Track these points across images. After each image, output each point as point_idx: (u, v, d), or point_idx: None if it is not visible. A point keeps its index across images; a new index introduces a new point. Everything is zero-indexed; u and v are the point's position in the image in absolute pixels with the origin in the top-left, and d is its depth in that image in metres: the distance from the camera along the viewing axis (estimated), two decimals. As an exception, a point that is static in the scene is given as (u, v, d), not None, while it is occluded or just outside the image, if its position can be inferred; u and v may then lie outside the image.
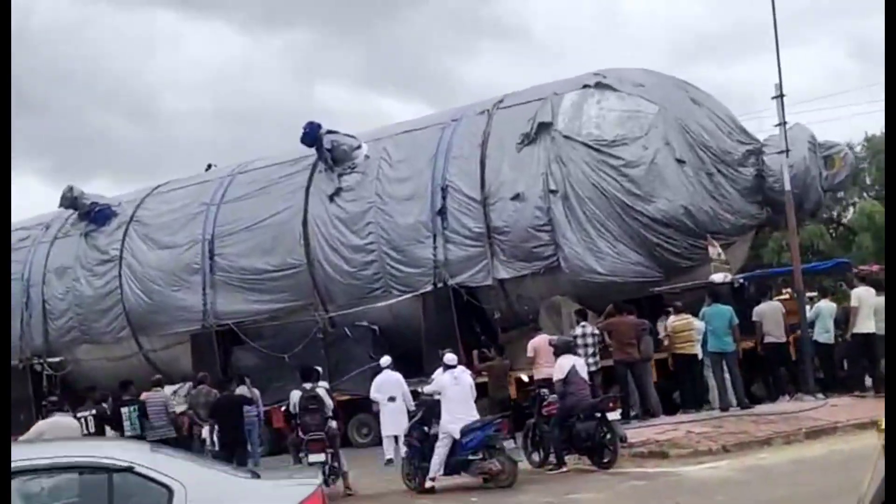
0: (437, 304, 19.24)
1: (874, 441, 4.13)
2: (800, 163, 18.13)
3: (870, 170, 51.41)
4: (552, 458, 12.97)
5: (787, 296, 20.24)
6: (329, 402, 13.74)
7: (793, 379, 17.05)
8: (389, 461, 15.26)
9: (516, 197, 18.83)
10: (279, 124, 74.87)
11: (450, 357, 13.08)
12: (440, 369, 13.24)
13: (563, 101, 19.18)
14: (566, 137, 18.62)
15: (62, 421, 11.78)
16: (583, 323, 16.48)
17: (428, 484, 12.38)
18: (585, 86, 19.31)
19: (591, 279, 18.08)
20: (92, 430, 13.67)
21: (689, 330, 16.38)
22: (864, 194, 52.03)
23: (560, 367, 12.94)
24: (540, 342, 15.79)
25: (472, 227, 19.25)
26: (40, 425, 11.94)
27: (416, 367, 19.06)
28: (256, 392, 16.43)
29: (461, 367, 13.17)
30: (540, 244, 18.61)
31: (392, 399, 15.68)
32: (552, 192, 18.43)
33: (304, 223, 21.11)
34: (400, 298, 19.77)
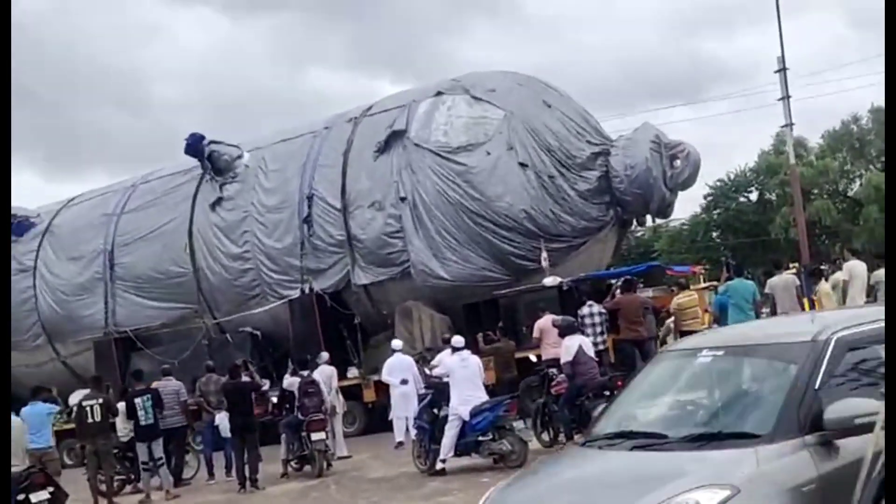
0: (303, 309, 19.87)
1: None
2: (641, 163, 18.25)
3: (875, 142, 50.63)
4: (562, 438, 12.92)
5: (794, 270, 20.60)
6: (324, 389, 14.71)
7: None
8: (400, 444, 15.42)
9: (373, 205, 19.36)
10: (270, 109, 75.40)
11: (457, 339, 13.25)
12: (447, 351, 13.42)
13: (418, 109, 19.61)
14: (416, 145, 19.08)
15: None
16: (589, 302, 16.40)
17: (439, 465, 12.47)
18: (439, 93, 19.69)
19: (437, 285, 18.57)
20: (98, 418, 14.08)
21: (695, 307, 16.64)
22: (871, 166, 51.29)
23: (567, 349, 12.85)
24: (545, 323, 15.48)
25: (335, 234, 19.83)
26: None
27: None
28: (257, 378, 17.13)
29: (468, 350, 13.24)
30: (394, 251, 19.16)
31: (405, 382, 15.88)
32: (402, 199, 18.92)
33: (190, 232, 21.87)
34: (271, 306, 20.46)
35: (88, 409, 14.20)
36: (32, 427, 14.09)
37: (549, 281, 17.34)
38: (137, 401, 14.70)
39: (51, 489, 10.29)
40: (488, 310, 18.10)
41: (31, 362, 24.62)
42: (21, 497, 9.89)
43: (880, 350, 4.99)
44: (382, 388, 18.71)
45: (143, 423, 14.59)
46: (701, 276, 35.30)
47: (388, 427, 18.37)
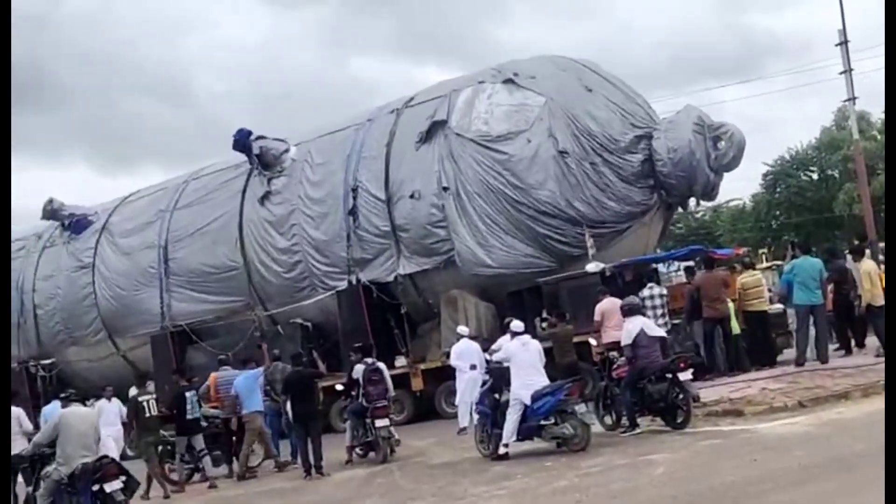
0: (350, 300, 20.10)
1: None
2: (684, 146, 18.06)
3: (947, 112, 49.24)
4: (625, 421, 12.94)
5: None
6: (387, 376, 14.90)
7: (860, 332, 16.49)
8: (463, 429, 15.47)
9: (412, 195, 19.48)
10: (316, 100, 75.59)
11: (516, 324, 13.28)
12: (507, 336, 13.51)
13: (459, 98, 19.66)
14: (457, 135, 19.15)
15: (80, 410, 12.40)
16: (650, 284, 16.47)
17: (501, 450, 12.50)
18: (480, 81, 19.71)
19: (483, 273, 18.63)
20: (154, 412, 14.57)
21: (759, 286, 16.53)
22: (941, 137, 49.94)
23: (627, 332, 12.89)
24: (607, 305, 15.49)
25: (380, 225, 20.00)
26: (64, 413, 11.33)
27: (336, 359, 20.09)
28: (322, 366, 17.52)
29: (528, 335, 13.32)
30: (437, 240, 19.28)
31: (473, 367, 15.84)
32: (445, 189, 19.00)
33: (241, 227, 22.23)
34: (320, 297, 20.72)
35: (145, 403, 14.63)
36: (245, 390, 15.10)
37: (592, 267, 17.31)
38: (188, 395, 15.13)
39: (123, 478, 10.48)
40: (532, 297, 18.14)
41: (93, 357, 25.36)
42: (95, 487, 10.13)
43: None
44: (430, 377, 18.97)
45: (189, 416, 15.01)
46: (764, 257, 34.63)
47: (435, 416, 18.64)
